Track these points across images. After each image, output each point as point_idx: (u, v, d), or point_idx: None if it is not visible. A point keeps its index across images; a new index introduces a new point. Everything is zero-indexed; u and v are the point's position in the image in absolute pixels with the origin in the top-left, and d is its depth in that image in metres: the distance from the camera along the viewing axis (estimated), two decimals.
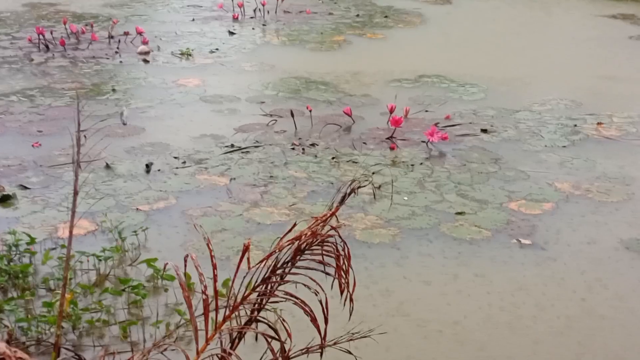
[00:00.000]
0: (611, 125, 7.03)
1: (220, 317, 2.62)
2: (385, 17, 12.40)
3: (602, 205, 5.36)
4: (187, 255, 2.64)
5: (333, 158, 6.15)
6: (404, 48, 10.22)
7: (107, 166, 5.86)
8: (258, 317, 2.72)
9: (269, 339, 2.65)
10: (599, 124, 7.05)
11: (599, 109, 7.49)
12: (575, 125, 7.02)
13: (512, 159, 6.18)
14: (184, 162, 5.99)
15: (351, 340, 2.85)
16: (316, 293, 2.67)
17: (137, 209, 5.14)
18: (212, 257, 2.64)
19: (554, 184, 5.70)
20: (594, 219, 5.15)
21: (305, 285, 2.70)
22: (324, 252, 2.73)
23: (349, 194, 2.81)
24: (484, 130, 6.84)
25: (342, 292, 2.68)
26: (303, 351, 2.75)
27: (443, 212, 5.18)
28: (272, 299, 2.71)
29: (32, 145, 6.25)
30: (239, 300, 2.66)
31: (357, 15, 12.49)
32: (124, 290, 4.02)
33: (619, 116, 7.29)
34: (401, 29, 11.44)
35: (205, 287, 2.58)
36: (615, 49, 10.24)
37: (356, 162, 6.05)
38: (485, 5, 13.63)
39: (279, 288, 2.72)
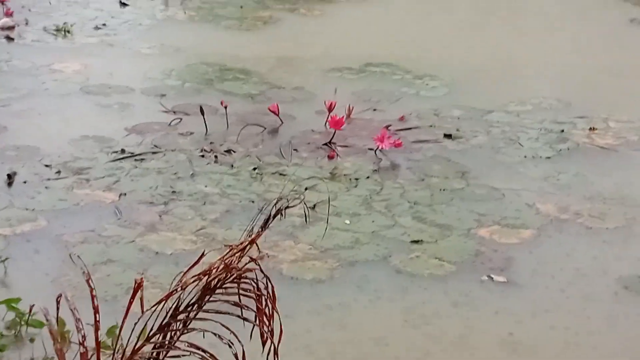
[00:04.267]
0: (607, 132, 7.17)
1: None
2: None
3: (596, 233, 5.45)
4: (60, 295, 2.60)
5: (254, 169, 6.14)
6: (347, 28, 10.28)
7: None
8: None
9: None
10: (591, 129, 7.18)
11: (592, 111, 7.62)
12: (563, 131, 7.13)
13: (483, 173, 6.25)
14: (59, 172, 5.91)
15: None
16: (230, 344, 2.65)
17: None
18: (93, 297, 2.61)
19: (536, 205, 5.78)
20: (584, 250, 5.25)
21: (215, 334, 2.68)
22: (240, 291, 2.71)
23: (275, 216, 2.81)
24: (448, 136, 6.91)
25: (264, 344, 2.67)
26: None
27: (395, 240, 5.22)
28: (172, 353, 2.69)
29: None
30: (128, 353, 2.63)
31: None
32: None
33: (617, 119, 7.42)
34: (344, 4, 11.51)
35: (84, 336, 2.54)
36: (614, 34, 10.46)
37: (284, 175, 6.05)
38: None
39: (182, 338, 2.70)
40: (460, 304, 4.59)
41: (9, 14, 9.64)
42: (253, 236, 2.72)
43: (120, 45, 9.11)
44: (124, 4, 10.80)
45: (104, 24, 9.78)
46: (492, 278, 4.82)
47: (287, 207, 2.84)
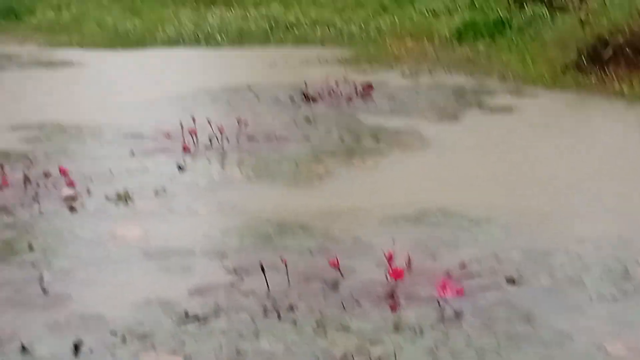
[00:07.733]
0: None
1: None
2: (377, 140, 12.61)
3: None
4: None
5: (318, 324, 6.10)
6: (401, 178, 10.35)
7: (23, 349, 5.78)
8: None
9: None
10: None
11: None
12: (627, 269, 7.04)
13: (549, 316, 6.17)
14: (124, 339, 5.92)
15: None
16: None
17: None
18: None
19: (604, 346, 5.67)
20: None
21: None
22: None
23: None
24: (510, 280, 6.85)
25: None
26: None
27: None
28: None
29: None
30: None
31: (341, 140, 12.70)
32: None
33: None
34: (397, 155, 11.61)
35: None
36: None
37: (348, 329, 6.01)
38: (500, 122, 13.93)
39: None
40: None
41: (70, 185, 9.83)
42: None
43: (179, 208, 9.22)
44: (181, 168, 10.99)
45: (163, 189, 9.94)
46: None
47: None
